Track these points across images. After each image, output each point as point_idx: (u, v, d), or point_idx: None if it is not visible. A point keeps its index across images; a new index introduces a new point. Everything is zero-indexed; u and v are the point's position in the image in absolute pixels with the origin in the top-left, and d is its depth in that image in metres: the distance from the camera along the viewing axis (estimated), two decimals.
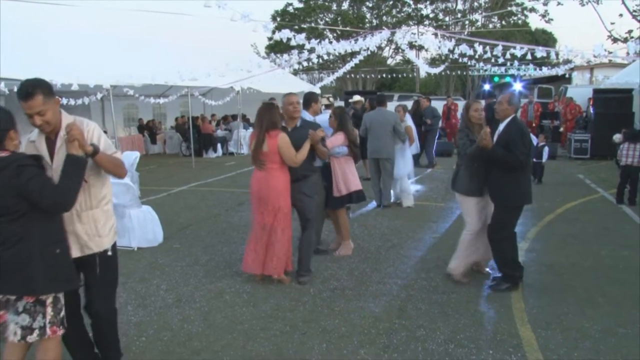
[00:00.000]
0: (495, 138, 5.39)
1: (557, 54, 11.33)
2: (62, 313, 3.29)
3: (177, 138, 20.89)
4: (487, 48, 9.99)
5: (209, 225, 8.68)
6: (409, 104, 20.11)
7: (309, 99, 6.85)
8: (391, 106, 11.00)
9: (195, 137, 18.25)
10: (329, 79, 26.62)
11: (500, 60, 10.19)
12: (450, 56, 14.14)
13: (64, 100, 13.30)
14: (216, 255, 6.97)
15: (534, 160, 11.80)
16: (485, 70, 28.27)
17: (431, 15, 42.04)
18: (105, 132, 10.48)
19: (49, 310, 3.18)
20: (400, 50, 40.58)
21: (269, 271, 5.80)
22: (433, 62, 39.01)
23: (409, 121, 10.32)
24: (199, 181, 13.36)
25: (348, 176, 6.85)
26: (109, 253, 3.65)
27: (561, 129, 19.11)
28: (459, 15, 41.64)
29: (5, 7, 13.69)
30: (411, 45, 27.25)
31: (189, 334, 4.70)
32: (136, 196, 7.53)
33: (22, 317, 3.12)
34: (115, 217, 3.78)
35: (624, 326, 4.70)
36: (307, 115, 6.67)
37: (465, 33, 31.71)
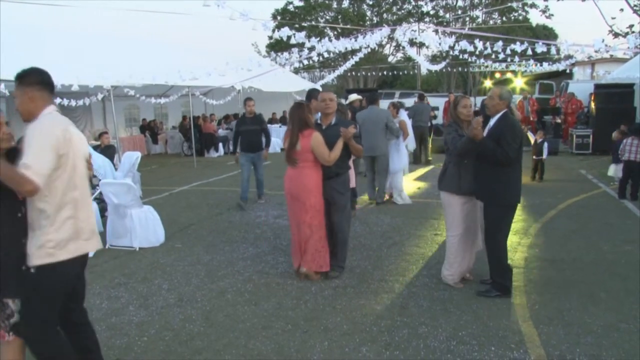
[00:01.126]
0: (485, 133, 5.21)
1: (557, 49, 11.30)
2: (12, 319, 3.20)
3: (178, 138, 20.90)
4: (488, 44, 9.97)
5: (211, 224, 8.68)
6: (410, 101, 20.16)
7: (310, 95, 7.32)
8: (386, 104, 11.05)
9: (196, 137, 18.25)
10: (330, 77, 26.62)
11: (501, 56, 10.17)
12: (451, 53, 14.13)
13: (65, 101, 13.31)
14: (218, 255, 6.97)
15: (534, 157, 11.79)
16: (486, 67, 28.21)
17: (432, 12, 41.98)
18: (105, 132, 10.42)
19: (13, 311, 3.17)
20: (401, 48, 40.54)
21: (307, 265, 5.88)
22: (434, 59, 38.91)
23: (402, 116, 10.38)
24: (201, 181, 13.36)
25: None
26: (32, 271, 3.17)
27: (559, 120, 19.09)
28: (460, 12, 41.57)
29: (4, 8, 13.68)
30: (412, 43, 27.26)
31: (191, 333, 4.70)
32: (137, 196, 7.54)
33: None
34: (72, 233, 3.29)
35: (626, 321, 4.69)
36: None
37: (466, 30, 31.66)
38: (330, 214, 5.97)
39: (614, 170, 10.54)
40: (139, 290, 5.80)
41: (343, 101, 10.62)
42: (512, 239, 7.34)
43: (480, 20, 41.73)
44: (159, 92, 18.88)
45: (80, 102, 13.68)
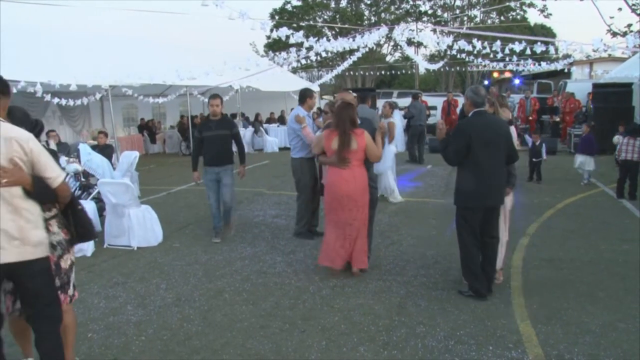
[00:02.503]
0: None
1: (556, 48, 11.31)
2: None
3: (176, 137, 20.88)
4: (486, 43, 9.98)
5: (209, 224, 8.64)
6: (407, 100, 20.17)
7: (304, 95, 7.60)
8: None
9: (194, 137, 18.21)
10: (327, 77, 26.62)
11: (499, 55, 10.17)
12: (449, 52, 14.14)
13: (63, 101, 13.30)
14: (216, 255, 6.96)
15: (533, 159, 11.78)
16: (485, 66, 28.21)
17: (429, 12, 41.96)
18: (103, 132, 10.41)
19: None
20: (399, 47, 40.54)
21: (359, 264, 5.95)
22: (432, 58, 38.94)
23: (395, 116, 10.37)
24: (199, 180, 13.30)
25: None
26: None
27: (557, 119, 19.14)
28: (457, 11, 41.58)
29: (3, 8, 13.67)
30: (410, 42, 27.20)
31: (189, 333, 4.70)
32: (135, 196, 7.52)
33: None
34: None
35: (625, 321, 4.69)
36: (302, 111, 7.48)
37: (464, 29, 31.68)
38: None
39: (579, 163, 11.49)
40: (136, 289, 5.79)
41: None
42: (510, 239, 7.34)
43: (478, 19, 41.75)
44: (157, 92, 18.87)
45: (79, 102, 13.67)
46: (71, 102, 13.47)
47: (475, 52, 10.63)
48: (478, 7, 41.39)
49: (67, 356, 3.71)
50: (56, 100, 12.73)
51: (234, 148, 7.79)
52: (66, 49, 14.80)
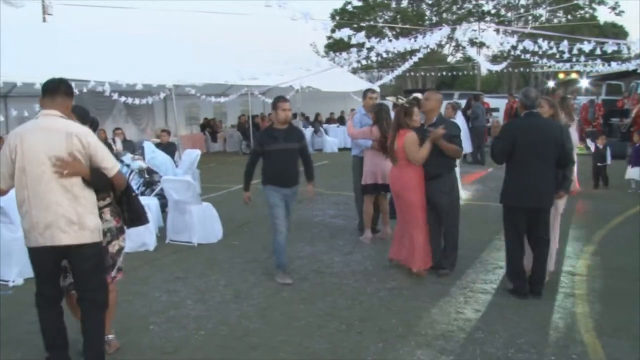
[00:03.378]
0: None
1: (628, 48, 10.85)
2: None
3: (237, 136, 21.19)
4: (552, 43, 9.68)
5: (268, 223, 8.67)
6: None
7: (364, 93, 7.86)
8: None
9: (255, 136, 18.46)
10: (388, 78, 26.43)
11: (566, 55, 9.84)
12: (513, 53, 13.80)
13: (129, 100, 13.72)
14: None
15: (598, 164, 11.34)
16: (550, 67, 27.37)
17: (492, 11, 41.13)
18: (166, 130, 10.70)
19: None
20: (460, 48, 39.90)
21: (409, 264, 5.99)
22: (494, 59, 38.13)
23: (458, 118, 10.20)
24: (258, 179, 13.44)
25: (375, 168, 7.13)
26: None
27: (627, 122, 18.37)
28: (522, 10, 40.55)
29: (77, 13, 14.25)
30: (472, 42, 26.75)
31: (247, 329, 4.76)
32: (197, 193, 7.68)
33: None
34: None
35: None
36: (360, 109, 7.73)
37: (528, 29, 30.83)
38: (440, 217, 6.04)
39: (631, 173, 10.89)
40: (196, 285, 5.92)
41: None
42: (574, 246, 7.12)
43: (543, 18, 40.58)
44: (219, 92, 19.20)
45: (144, 101, 14.05)
46: (137, 101, 13.86)
47: (540, 52, 10.33)
48: (544, 6, 40.24)
49: (108, 330, 4.19)
50: (123, 99, 13.13)
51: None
52: (133, 49, 15.27)
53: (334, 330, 4.71)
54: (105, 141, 8.85)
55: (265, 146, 6.01)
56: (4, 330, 4.88)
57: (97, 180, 3.75)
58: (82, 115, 4.08)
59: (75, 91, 11.15)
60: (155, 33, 19.39)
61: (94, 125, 4.26)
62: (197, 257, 6.96)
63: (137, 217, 4.24)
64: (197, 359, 4.27)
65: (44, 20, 22.72)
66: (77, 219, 3.65)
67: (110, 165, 3.79)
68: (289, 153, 6.01)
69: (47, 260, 3.78)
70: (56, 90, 3.84)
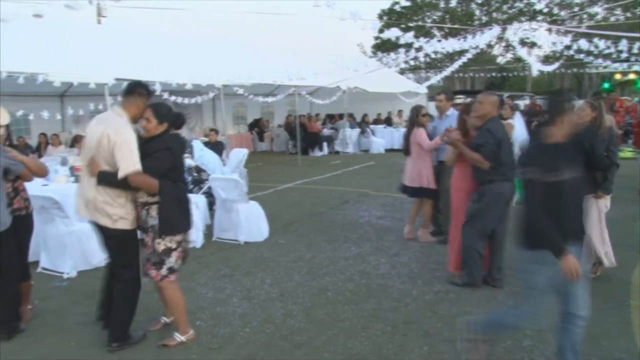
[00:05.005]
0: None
1: None
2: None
3: (284, 136, 21.35)
4: (609, 42, 9.36)
5: (313, 222, 8.79)
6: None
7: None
8: None
9: (301, 136, 18.56)
10: (435, 79, 26.13)
11: (624, 55, 9.49)
12: (566, 53, 13.43)
13: (179, 99, 13.97)
14: (320, 253, 7.04)
15: None
16: (605, 67, 26.52)
17: (545, 10, 40.15)
18: (215, 129, 10.89)
19: None
20: (510, 48, 39.09)
21: (449, 265, 5.96)
22: (546, 59, 37.23)
23: (516, 119, 9.96)
24: (305, 179, 13.56)
25: (411, 171, 7.36)
26: None
27: None
28: (577, 9, 39.44)
29: (129, 15, 14.62)
30: (523, 43, 26.16)
31: (291, 328, 4.78)
32: (244, 192, 7.75)
33: None
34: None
35: None
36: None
37: (583, 28, 29.97)
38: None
39: None
40: (242, 282, 5.98)
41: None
42: (628, 253, 6.87)
43: (599, 17, 39.35)
44: (266, 92, 19.37)
45: (193, 100, 14.30)
46: (186, 101, 14.11)
47: (596, 52, 10.02)
48: (600, 3, 39.02)
49: (180, 329, 4.47)
50: (172, 98, 13.39)
51: None
52: (183, 50, 15.56)
53: (378, 331, 4.68)
54: None
55: (565, 172, 3.43)
56: (58, 320, 5.06)
57: (102, 179, 4.17)
58: (157, 113, 4.23)
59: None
60: (205, 34, 19.69)
61: (179, 121, 4.40)
62: (243, 255, 7.03)
63: (164, 226, 4.23)
64: (242, 355, 4.31)
65: (99, 22, 23.39)
66: (98, 205, 4.20)
67: (124, 166, 4.06)
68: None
69: (95, 231, 4.44)
70: (127, 91, 4.33)
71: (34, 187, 5.74)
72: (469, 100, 7.11)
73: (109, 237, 4.32)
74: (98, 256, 6.56)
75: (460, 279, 5.75)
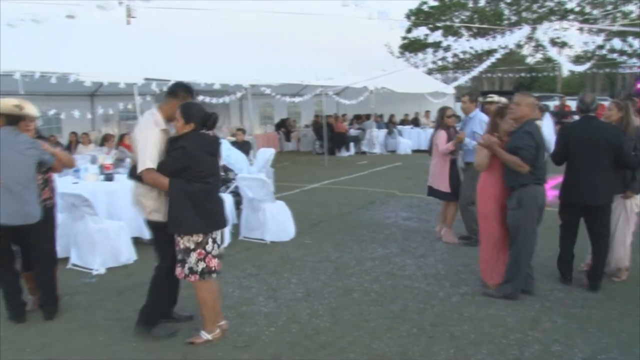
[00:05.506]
0: None
1: None
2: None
3: (310, 136, 21.38)
4: None
5: (340, 223, 8.78)
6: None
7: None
8: None
9: (328, 136, 18.57)
10: (463, 79, 25.91)
11: None
12: (598, 52, 13.19)
13: (207, 99, 14.08)
14: (346, 253, 7.04)
15: None
16: None
17: (576, 9, 39.51)
18: (242, 129, 10.96)
19: None
20: (540, 48, 38.55)
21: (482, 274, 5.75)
22: (577, 59, 36.64)
23: (545, 121, 9.79)
24: (331, 179, 13.55)
25: (432, 173, 7.51)
26: None
27: None
28: (610, 7, 38.70)
29: (158, 16, 14.80)
30: (553, 42, 25.76)
31: (317, 328, 4.79)
32: (271, 191, 7.78)
33: None
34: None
35: None
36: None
37: (616, 27, 29.39)
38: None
39: None
40: (268, 282, 6.00)
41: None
42: None
43: (634, 15, 38.52)
44: (293, 92, 19.42)
45: (221, 100, 14.40)
46: (214, 100, 14.22)
47: (630, 51, 9.80)
48: (634, 2, 38.20)
49: (207, 327, 4.52)
50: (201, 98, 13.51)
51: None
52: (211, 50, 15.69)
53: (404, 333, 4.66)
54: None
55: None
56: (87, 315, 5.15)
57: (130, 173, 4.50)
58: (184, 113, 4.27)
59: (156, 90, 11.64)
60: (232, 34, 19.81)
61: (210, 121, 4.37)
62: (270, 254, 7.06)
63: (171, 225, 4.31)
64: (267, 354, 4.33)
65: (128, 23, 23.70)
66: (136, 197, 4.50)
67: (139, 163, 4.27)
68: None
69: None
70: (167, 92, 4.60)
71: (64, 185, 5.87)
72: (503, 100, 7.00)
73: (149, 226, 4.64)
74: (126, 254, 6.69)
75: (499, 291, 5.42)
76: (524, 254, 5.36)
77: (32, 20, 5.85)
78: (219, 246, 4.47)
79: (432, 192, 7.65)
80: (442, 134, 7.30)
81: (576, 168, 5.52)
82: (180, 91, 4.50)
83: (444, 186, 7.40)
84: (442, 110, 7.51)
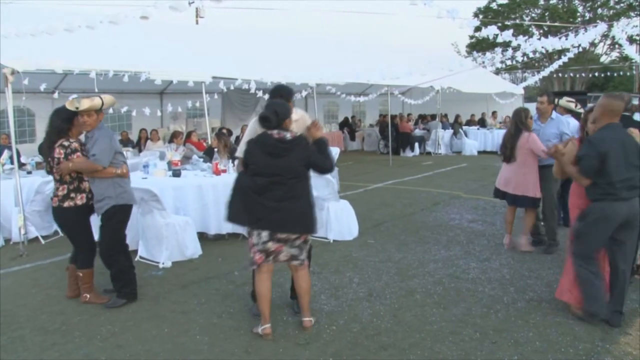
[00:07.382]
0: None
1: None
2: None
3: (375, 135, 21.32)
4: None
5: (403, 223, 8.72)
6: None
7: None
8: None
9: (393, 136, 18.47)
10: (533, 79, 25.20)
11: None
12: None
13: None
14: (409, 254, 6.99)
15: None
16: None
17: None
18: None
19: (308, 247, 4.74)
20: (617, 46, 36.97)
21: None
22: None
23: None
24: (395, 179, 13.48)
25: (516, 178, 6.92)
26: None
27: None
28: None
29: (226, 15, 15.11)
30: (631, 40, 24.65)
31: (378, 328, 4.78)
32: (335, 190, 7.81)
33: (294, 249, 4.55)
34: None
35: None
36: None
37: None
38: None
39: None
40: (330, 280, 6.03)
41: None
42: None
43: None
44: (358, 91, 19.41)
45: None
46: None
47: None
48: None
49: (261, 320, 4.64)
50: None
51: None
52: (278, 49, 15.89)
53: (467, 337, 4.59)
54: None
55: None
56: (154, 307, 5.33)
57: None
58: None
59: (223, 88, 11.88)
60: (299, 33, 19.98)
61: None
62: (332, 253, 7.09)
63: (226, 212, 4.63)
64: (328, 353, 4.35)
65: (197, 22, 24.32)
66: None
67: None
68: None
69: None
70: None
71: (134, 180, 6.08)
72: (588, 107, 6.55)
73: None
74: (192, 248, 6.88)
75: (581, 310, 4.95)
76: (583, 268, 4.86)
77: (109, 22, 6.07)
78: (264, 243, 4.49)
79: (517, 199, 6.99)
80: (536, 137, 6.75)
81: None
82: (275, 94, 4.89)
83: (534, 192, 6.84)
84: (524, 112, 7.02)
